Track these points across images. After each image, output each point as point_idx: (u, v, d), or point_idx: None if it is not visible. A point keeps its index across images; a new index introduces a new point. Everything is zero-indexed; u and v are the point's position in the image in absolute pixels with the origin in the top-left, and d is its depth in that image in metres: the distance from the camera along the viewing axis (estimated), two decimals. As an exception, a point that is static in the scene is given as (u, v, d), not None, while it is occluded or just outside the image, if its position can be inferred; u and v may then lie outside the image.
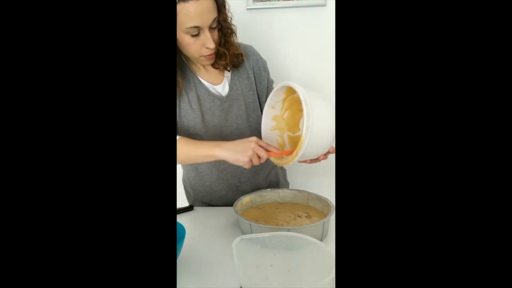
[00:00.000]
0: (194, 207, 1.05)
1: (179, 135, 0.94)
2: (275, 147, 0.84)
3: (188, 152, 0.89)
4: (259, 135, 0.93)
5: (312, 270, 0.58)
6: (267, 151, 0.82)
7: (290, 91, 0.89)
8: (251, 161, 0.81)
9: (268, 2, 1.28)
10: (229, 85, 0.98)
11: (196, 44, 0.85)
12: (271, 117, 0.93)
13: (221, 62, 0.93)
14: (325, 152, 0.84)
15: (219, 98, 0.96)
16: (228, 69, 0.97)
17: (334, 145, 0.85)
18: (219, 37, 0.89)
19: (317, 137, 0.76)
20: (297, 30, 1.31)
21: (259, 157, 0.81)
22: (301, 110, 0.75)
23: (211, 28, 0.84)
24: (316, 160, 0.86)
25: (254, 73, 1.00)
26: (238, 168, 1.03)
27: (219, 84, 0.98)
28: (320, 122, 0.76)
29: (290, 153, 0.81)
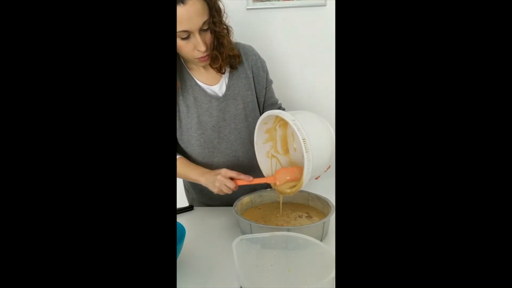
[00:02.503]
0: (194, 207, 1.05)
1: None
2: (246, 176, 0.87)
3: (179, 172, 0.98)
4: None
5: (312, 270, 0.58)
6: (237, 180, 0.87)
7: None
8: (222, 190, 0.88)
9: (268, 2, 1.28)
10: (226, 85, 0.97)
11: (188, 47, 0.84)
12: (264, 130, 0.90)
13: (215, 65, 0.92)
14: (325, 169, 0.82)
15: (216, 98, 0.96)
16: (223, 71, 0.96)
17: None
18: (212, 39, 0.87)
19: (317, 163, 0.73)
20: (297, 30, 1.31)
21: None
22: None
23: (202, 31, 0.83)
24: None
25: (252, 73, 0.99)
26: (237, 170, 1.03)
27: (215, 84, 0.97)
28: (318, 146, 0.72)
29: (262, 181, 0.87)
